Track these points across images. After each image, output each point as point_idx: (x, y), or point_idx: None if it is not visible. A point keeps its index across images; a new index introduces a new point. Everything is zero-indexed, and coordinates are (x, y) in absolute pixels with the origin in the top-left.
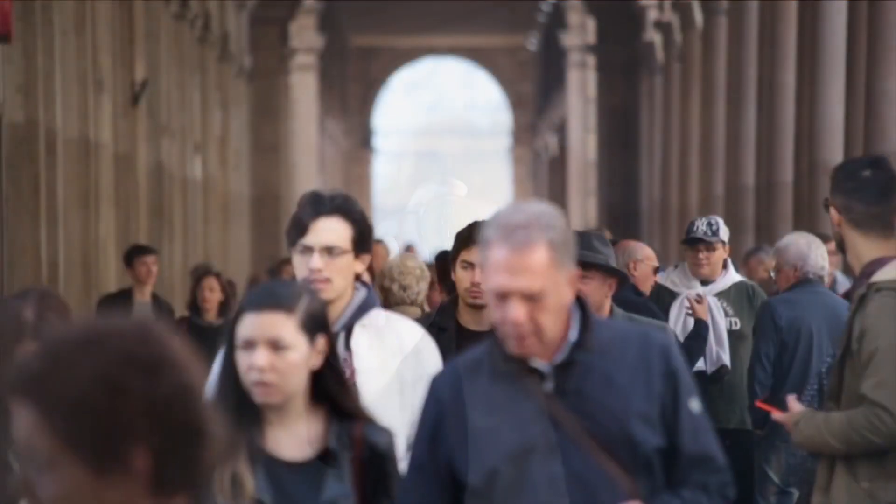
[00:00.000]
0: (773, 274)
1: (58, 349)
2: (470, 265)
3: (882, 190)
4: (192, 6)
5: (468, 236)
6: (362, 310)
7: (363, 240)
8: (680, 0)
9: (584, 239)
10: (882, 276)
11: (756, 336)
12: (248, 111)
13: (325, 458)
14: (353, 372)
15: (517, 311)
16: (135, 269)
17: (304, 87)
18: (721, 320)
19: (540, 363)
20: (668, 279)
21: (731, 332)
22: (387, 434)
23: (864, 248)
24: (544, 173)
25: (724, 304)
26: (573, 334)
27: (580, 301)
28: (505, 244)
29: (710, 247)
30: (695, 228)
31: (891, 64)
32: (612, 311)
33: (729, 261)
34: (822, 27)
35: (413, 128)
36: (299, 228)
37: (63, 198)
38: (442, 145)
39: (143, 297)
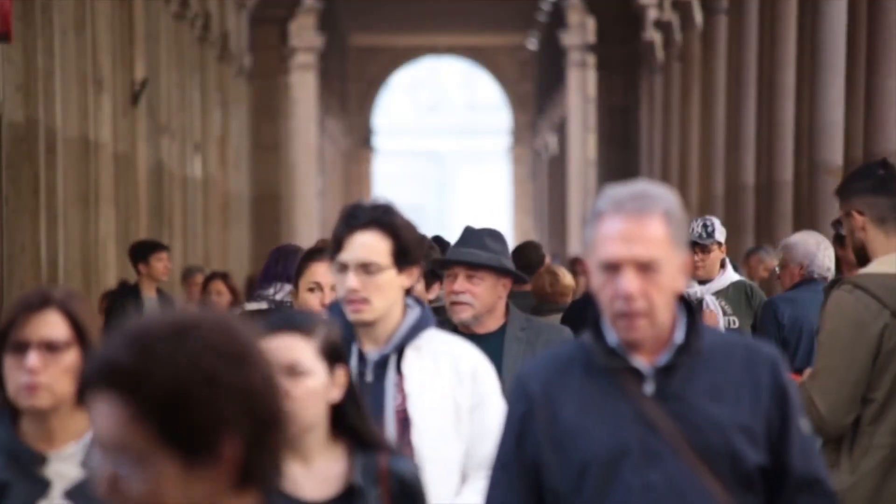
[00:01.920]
0: (777, 269)
1: (146, 342)
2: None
3: None
4: (191, 6)
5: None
6: (416, 330)
7: (406, 252)
8: (680, 0)
9: (475, 237)
10: (863, 270)
11: (758, 333)
12: (248, 111)
13: (350, 495)
14: (404, 397)
15: (631, 282)
16: (150, 265)
17: (303, 87)
18: (720, 319)
19: (641, 363)
20: None
21: (730, 332)
22: (413, 464)
23: (885, 247)
24: (544, 173)
25: (723, 303)
26: (679, 335)
27: (686, 303)
28: (618, 214)
29: (704, 249)
30: (690, 230)
31: (891, 63)
32: (508, 310)
33: (727, 260)
34: (822, 27)
35: (413, 127)
36: (335, 244)
37: (63, 197)
38: (442, 145)
39: (151, 293)
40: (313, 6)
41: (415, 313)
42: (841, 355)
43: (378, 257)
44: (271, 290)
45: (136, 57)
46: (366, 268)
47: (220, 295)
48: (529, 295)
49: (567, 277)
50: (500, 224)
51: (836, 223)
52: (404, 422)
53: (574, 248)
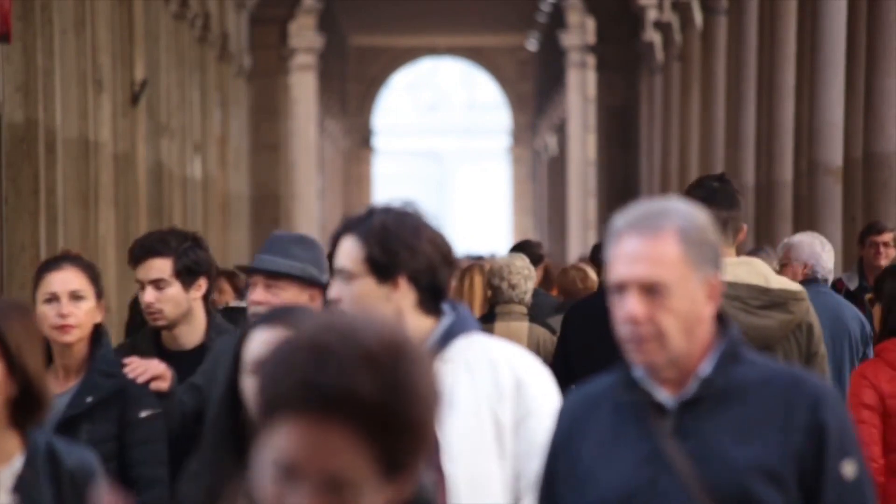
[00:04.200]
0: (776, 267)
1: (379, 367)
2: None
3: (733, 198)
4: (191, 6)
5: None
6: (445, 339)
7: (384, 260)
8: (679, 0)
9: (278, 244)
10: None
11: None
12: (248, 111)
13: None
14: None
15: (634, 305)
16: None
17: (303, 87)
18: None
19: (665, 396)
20: None
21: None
22: (427, 476)
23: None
24: (544, 173)
25: None
26: (706, 368)
27: (727, 330)
28: (632, 234)
29: None
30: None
31: (890, 63)
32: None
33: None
34: (822, 27)
35: (412, 128)
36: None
37: (62, 197)
38: (441, 145)
39: None
40: (313, 6)
41: (446, 320)
42: None
43: (351, 264)
44: None
45: (136, 57)
46: (344, 275)
47: (223, 294)
48: (548, 294)
49: (594, 275)
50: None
51: None
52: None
53: (574, 248)
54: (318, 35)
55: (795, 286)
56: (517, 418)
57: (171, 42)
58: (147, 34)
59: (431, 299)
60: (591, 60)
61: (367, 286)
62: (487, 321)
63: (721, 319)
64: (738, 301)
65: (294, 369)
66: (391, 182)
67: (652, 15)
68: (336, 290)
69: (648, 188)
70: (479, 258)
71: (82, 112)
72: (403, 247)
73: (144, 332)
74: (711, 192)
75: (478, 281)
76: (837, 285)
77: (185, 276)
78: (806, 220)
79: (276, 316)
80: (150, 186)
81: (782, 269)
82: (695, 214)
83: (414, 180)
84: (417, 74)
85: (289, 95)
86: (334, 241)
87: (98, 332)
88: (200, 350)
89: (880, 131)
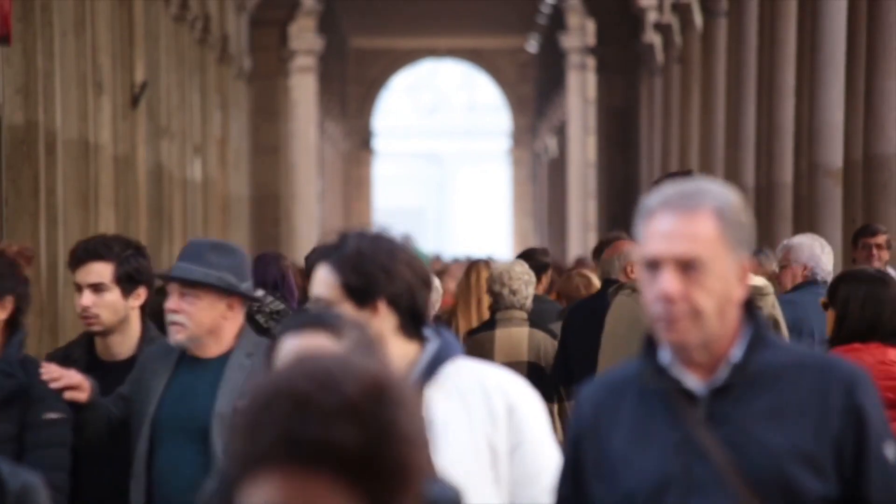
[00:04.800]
0: (776, 269)
1: (360, 413)
2: (78, 287)
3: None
4: (191, 8)
5: (77, 255)
6: (434, 365)
7: (361, 285)
8: (679, 1)
9: (193, 251)
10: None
11: None
12: (248, 113)
13: None
14: None
15: (669, 282)
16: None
17: (303, 89)
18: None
19: (695, 382)
20: None
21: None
22: (453, 491)
23: None
24: (544, 175)
25: None
26: (737, 353)
27: (753, 315)
28: (667, 211)
29: None
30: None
31: (890, 64)
32: (242, 334)
33: None
34: (822, 27)
35: (412, 129)
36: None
37: (63, 199)
38: (441, 147)
39: None
40: (313, 8)
41: (430, 348)
42: (617, 351)
43: (329, 292)
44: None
45: (136, 59)
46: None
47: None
48: (554, 301)
49: (597, 281)
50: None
51: None
52: None
53: (574, 250)
54: (318, 37)
55: (761, 280)
56: (511, 445)
57: (172, 44)
58: (147, 36)
59: (412, 323)
60: (591, 62)
61: (346, 313)
62: (488, 327)
63: (747, 305)
64: None
65: (273, 422)
66: (391, 184)
67: (652, 17)
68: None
69: (648, 189)
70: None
71: (82, 114)
72: (380, 270)
73: (79, 340)
74: None
75: (484, 275)
76: None
77: (125, 282)
78: (806, 221)
79: (307, 322)
80: (151, 188)
81: (782, 270)
82: (730, 195)
83: (414, 182)
84: (417, 76)
85: (289, 97)
86: (309, 272)
87: (13, 332)
88: (132, 361)
89: (880, 133)
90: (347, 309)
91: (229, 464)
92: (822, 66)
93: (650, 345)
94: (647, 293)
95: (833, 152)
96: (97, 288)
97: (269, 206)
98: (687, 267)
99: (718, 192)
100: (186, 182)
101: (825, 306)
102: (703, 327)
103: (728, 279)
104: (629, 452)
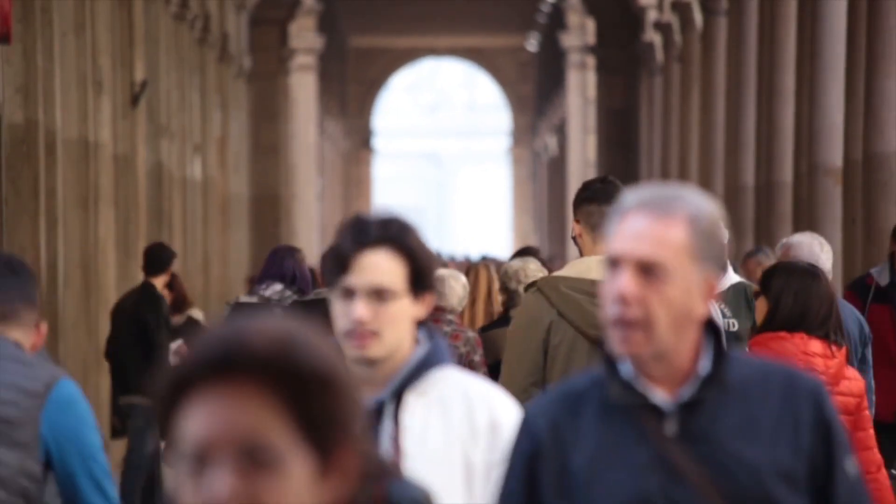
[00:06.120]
0: None
1: (277, 334)
2: None
3: (613, 195)
4: (191, 7)
5: None
6: (419, 370)
7: (422, 277)
8: (679, 0)
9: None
10: (555, 273)
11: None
12: (248, 112)
13: None
14: (399, 454)
15: (626, 283)
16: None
17: (303, 88)
18: (720, 322)
19: (662, 398)
20: None
21: (729, 334)
22: (419, 491)
23: (591, 251)
24: (544, 174)
25: (722, 306)
26: (704, 366)
27: (713, 329)
28: (640, 212)
29: None
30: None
31: (890, 64)
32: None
33: (727, 262)
34: (822, 28)
35: (412, 129)
36: (339, 264)
37: (62, 199)
38: (441, 146)
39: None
40: (313, 8)
41: (421, 349)
42: (517, 348)
43: (393, 282)
44: (263, 286)
45: (136, 58)
46: (379, 294)
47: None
48: None
49: None
50: (499, 225)
51: None
52: None
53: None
54: (318, 36)
55: None
56: (489, 462)
57: (171, 43)
58: (147, 36)
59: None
60: (591, 61)
61: (406, 306)
62: (502, 324)
63: (709, 324)
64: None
65: (199, 354)
66: (391, 183)
67: (652, 16)
68: (364, 310)
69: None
70: (486, 259)
71: (82, 113)
72: (433, 260)
73: None
74: (594, 191)
75: (483, 277)
76: (867, 280)
77: None
78: (806, 221)
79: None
80: (150, 188)
81: None
82: (708, 207)
83: (414, 181)
84: (417, 76)
85: (289, 97)
86: (350, 253)
87: None
88: None
89: (880, 133)
90: (403, 303)
91: (161, 395)
92: (822, 65)
93: (609, 357)
94: (605, 293)
95: (833, 152)
96: None
97: (268, 205)
98: (647, 271)
99: (696, 202)
100: (186, 181)
101: (756, 295)
102: (655, 339)
103: (690, 292)
104: (596, 471)
